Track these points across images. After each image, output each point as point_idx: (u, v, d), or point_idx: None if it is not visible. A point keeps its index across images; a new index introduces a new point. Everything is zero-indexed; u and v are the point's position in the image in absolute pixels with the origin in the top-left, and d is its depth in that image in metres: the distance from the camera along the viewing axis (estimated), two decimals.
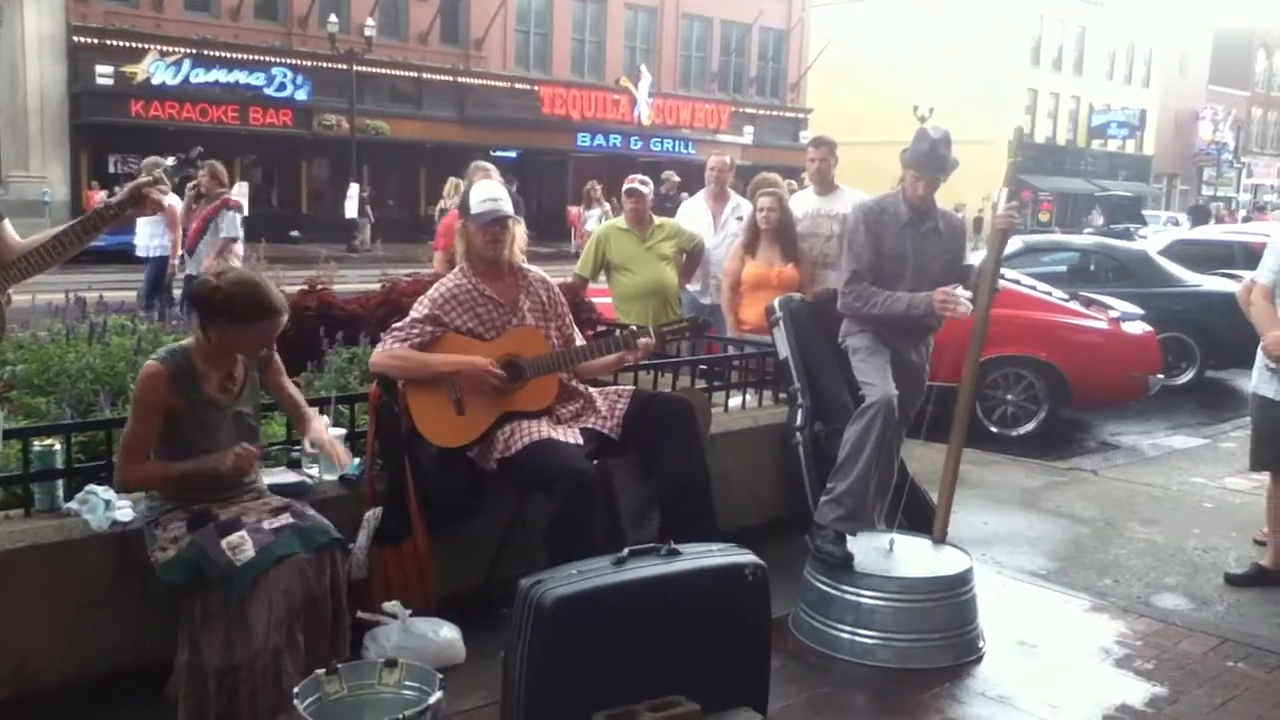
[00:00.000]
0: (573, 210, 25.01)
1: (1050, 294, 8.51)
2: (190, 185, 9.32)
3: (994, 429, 8.03)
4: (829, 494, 4.20)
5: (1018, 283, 8.37)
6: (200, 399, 3.14)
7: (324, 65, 26.92)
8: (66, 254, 2.89)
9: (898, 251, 4.37)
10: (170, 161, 2.97)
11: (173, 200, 9.13)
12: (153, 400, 3.08)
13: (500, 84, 30.76)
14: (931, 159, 4.28)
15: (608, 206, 14.91)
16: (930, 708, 3.50)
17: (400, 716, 2.52)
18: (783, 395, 5.24)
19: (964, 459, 4.42)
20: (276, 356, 3.43)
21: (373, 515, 3.59)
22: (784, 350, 5.06)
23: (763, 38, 38.05)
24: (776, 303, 5.11)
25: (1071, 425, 8.79)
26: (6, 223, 2.88)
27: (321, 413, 3.89)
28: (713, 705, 2.82)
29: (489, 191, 3.92)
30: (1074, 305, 8.46)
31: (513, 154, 29.26)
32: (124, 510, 3.24)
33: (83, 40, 24.23)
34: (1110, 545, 5.37)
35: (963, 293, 4.21)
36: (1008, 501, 6.08)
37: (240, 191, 27.48)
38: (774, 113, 37.87)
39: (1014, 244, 11.34)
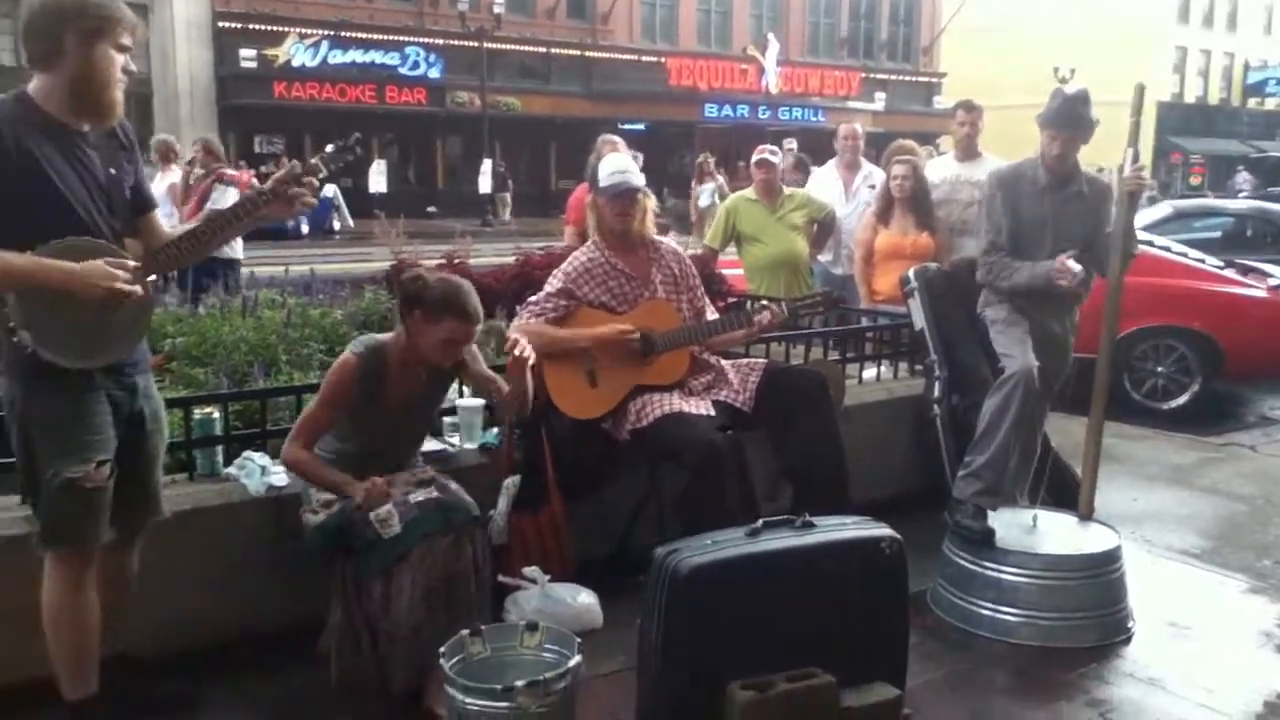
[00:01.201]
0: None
1: (1203, 261, 8.10)
2: (188, 161, 9.02)
3: (1144, 402, 7.71)
4: (967, 468, 4.11)
5: (1168, 250, 7.99)
6: (379, 396, 3.21)
7: (455, 43, 27.41)
8: (213, 243, 2.84)
9: (1036, 217, 4.24)
10: (329, 149, 2.94)
11: (175, 177, 8.96)
12: (339, 390, 3.17)
13: (627, 57, 30.80)
14: (1066, 117, 4.14)
15: (722, 180, 14.10)
16: (1076, 688, 3.40)
17: (541, 678, 2.57)
18: (919, 367, 5.14)
19: (1111, 434, 4.27)
20: (473, 350, 3.42)
21: (511, 483, 3.66)
22: (919, 321, 4.95)
23: (894, 1, 37.08)
24: (911, 272, 5.01)
25: (1227, 399, 8.37)
26: (157, 212, 2.92)
27: (461, 384, 4.00)
28: (849, 678, 2.80)
29: (617, 164, 3.93)
30: (1230, 273, 8.03)
31: (640, 126, 29.29)
32: (279, 475, 3.39)
33: (227, 25, 25.23)
34: (1270, 525, 5.10)
35: (1073, 264, 4.06)
36: (1158, 478, 5.83)
37: (378, 169, 27.63)
38: (906, 78, 36.93)
39: (1163, 209, 10.85)
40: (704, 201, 12.99)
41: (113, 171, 2.69)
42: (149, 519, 2.94)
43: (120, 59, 2.60)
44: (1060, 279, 4.08)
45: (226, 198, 7.96)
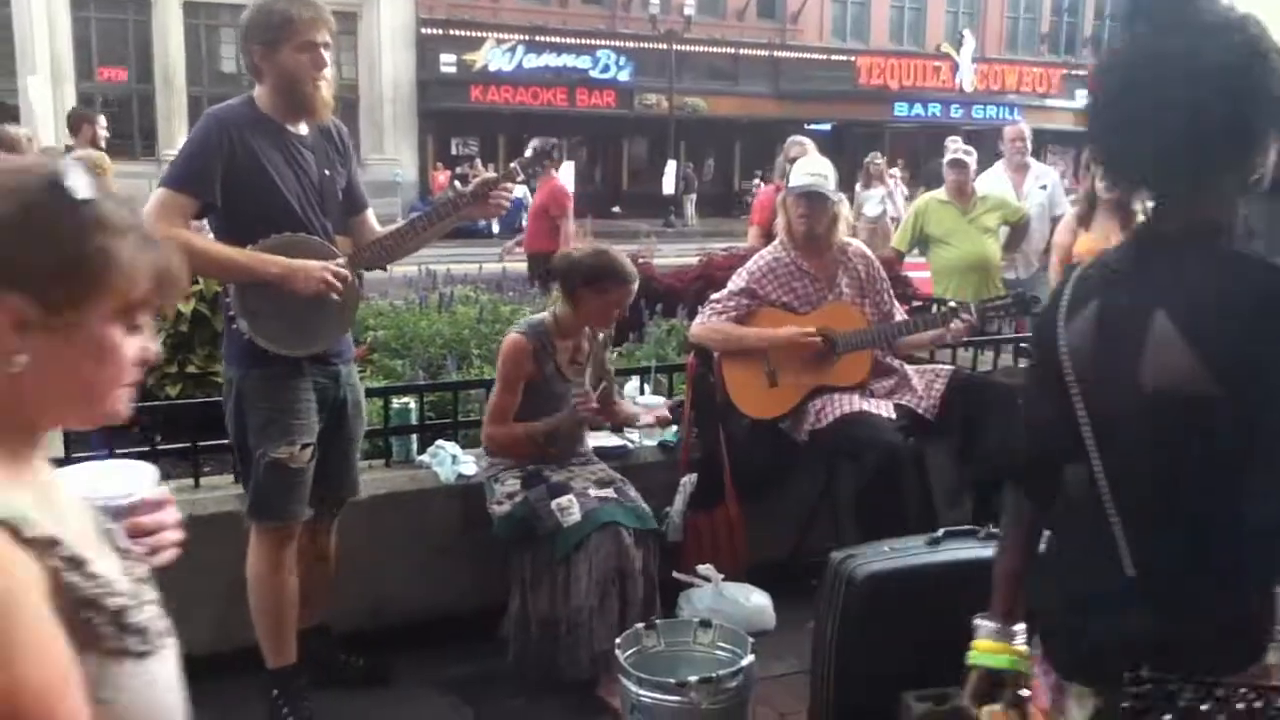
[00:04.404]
0: None
1: None
2: None
3: None
4: None
5: None
6: (553, 370, 3.38)
7: (645, 46, 27.72)
8: (416, 242, 3.00)
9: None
10: (528, 153, 3.11)
11: None
12: (518, 370, 3.34)
13: (816, 56, 30.42)
14: None
15: (891, 185, 11.82)
16: None
17: (714, 675, 2.60)
18: None
19: None
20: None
21: (688, 481, 3.71)
22: None
23: None
24: None
25: None
26: (369, 212, 3.11)
27: (642, 381, 4.08)
28: None
29: (814, 167, 3.93)
30: None
31: (826, 127, 28.91)
32: (468, 464, 3.54)
33: (429, 31, 26.30)
34: None
35: None
36: None
37: (567, 171, 28.28)
38: None
39: None
40: (870, 210, 10.63)
41: (327, 173, 2.88)
42: (346, 498, 3.13)
43: (304, 58, 2.74)
44: None
45: None
